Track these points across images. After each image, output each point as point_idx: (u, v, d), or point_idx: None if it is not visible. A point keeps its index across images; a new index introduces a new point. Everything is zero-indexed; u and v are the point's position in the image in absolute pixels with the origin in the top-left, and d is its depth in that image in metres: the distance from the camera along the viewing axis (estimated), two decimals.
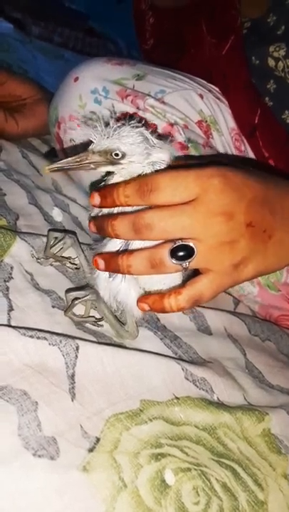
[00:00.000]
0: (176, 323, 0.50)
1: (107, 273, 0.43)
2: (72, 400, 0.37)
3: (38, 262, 0.49)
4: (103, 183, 0.42)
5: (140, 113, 0.57)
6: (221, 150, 0.63)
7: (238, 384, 0.47)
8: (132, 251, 0.39)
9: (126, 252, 0.39)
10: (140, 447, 0.36)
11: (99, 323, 0.46)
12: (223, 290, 0.40)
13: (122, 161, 0.39)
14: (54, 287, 0.47)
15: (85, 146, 0.41)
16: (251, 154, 0.66)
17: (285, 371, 0.53)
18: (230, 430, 0.42)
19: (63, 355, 0.39)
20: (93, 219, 0.41)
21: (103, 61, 0.62)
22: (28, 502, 0.30)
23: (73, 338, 0.40)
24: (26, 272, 0.48)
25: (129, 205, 0.39)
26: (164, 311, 0.40)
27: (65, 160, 0.40)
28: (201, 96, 0.62)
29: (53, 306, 0.46)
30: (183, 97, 0.60)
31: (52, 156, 0.70)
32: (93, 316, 0.46)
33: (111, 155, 0.39)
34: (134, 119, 0.40)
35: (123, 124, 0.39)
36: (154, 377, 0.42)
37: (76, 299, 0.45)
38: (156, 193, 0.37)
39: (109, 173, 0.42)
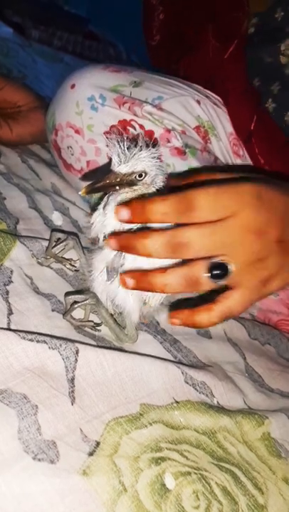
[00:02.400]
0: (175, 327, 0.50)
1: (104, 276, 0.43)
2: (72, 404, 0.37)
3: (39, 263, 0.49)
4: (101, 204, 0.43)
5: (138, 120, 0.58)
6: (219, 155, 0.63)
7: (238, 388, 0.47)
8: (165, 268, 0.38)
9: (159, 269, 0.38)
10: (140, 451, 0.36)
11: (97, 327, 0.46)
12: (251, 305, 0.41)
13: (139, 183, 0.40)
14: (54, 291, 0.47)
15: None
16: (249, 159, 0.66)
17: (285, 375, 0.53)
18: (230, 434, 0.41)
19: (63, 359, 0.39)
20: (114, 235, 0.40)
21: (100, 68, 0.62)
22: (33, 505, 0.30)
23: (73, 341, 0.40)
24: (26, 275, 0.48)
25: (164, 222, 0.38)
26: (195, 326, 0.40)
27: (97, 182, 0.40)
28: (199, 102, 0.62)
29: (53, 310, 0.46)
30: (180, 103, 0.61)
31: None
32: (92, 321, 0.46)
33: (135, 176, 0.40)
34: (146, 142, 0.41)
35: (141, 146, 0.40)
36: (154, 381, 0.42)
37: (75, 302, 0.45)
38: (195, 212, 0.37)
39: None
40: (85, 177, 0.63)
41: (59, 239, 0.51)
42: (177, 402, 0.42)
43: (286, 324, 0.61)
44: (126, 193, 0.41)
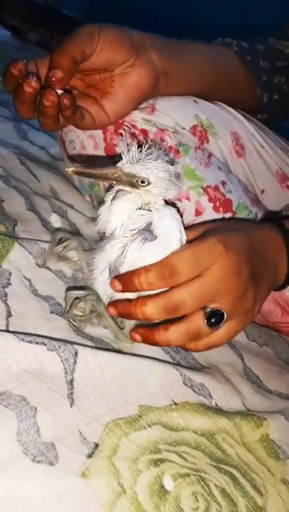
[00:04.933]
0: None
1: (105, 276, 0.43)
2: (71, 406, 0.37)
3: (38, 265, 0.49)
4: (109, 197, 0.43)
5: (130, 121, 0.58)
6: (218, 154, 0.63)
7: (237, 389, 0.47)
8: (167, 327, 0.41)
9: (161, 327, 0.42)
10: (139, 453, 0.36)
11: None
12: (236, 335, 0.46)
13: (141, 188, 0.41)
14: (52, 293, 0.47)
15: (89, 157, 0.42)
16: (250, 158, 0.67)
17: (283, 376, 0.53)
18: (229, 436, 0.42)
19: (62, 361, 0.39)
20: (112, 304, 0.43)
21: None
22: (31, 506, 0.30)
23: (72, 343, 0.40)
24: (25, 277, 0.48)
25: (151, 290, 0.42)
26: (185, 349, 0.44)
27: (91, 167, 0.41)
28: (196, 101, 0.63)
29: (52, 312, 0.46)
30: (176, 102, 0.61)
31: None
32: (94, 311, 0.46)
33: (137, 180, 0.41)
34: (163, 151, 0.42)
35: (153, 154, 0.41)
36: (153, 383, 0.42)
37: (77, 298, 0.45)
38: (177, 276, 0.41)
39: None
40: (73, 159, 0.62)
41: (62, 238, 0.51)
42: (176, 403, 0.42)
43: (285, 326, 0.61)
44: (131, 194, 0.42)
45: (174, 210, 0.44)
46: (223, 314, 0.42)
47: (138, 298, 0.42)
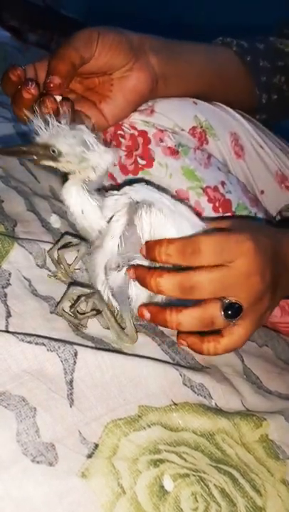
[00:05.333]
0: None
1: (103, 275, 0.43)
2: (71, 406, 0.37)
3: (38, 266, 0.49)
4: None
5: (130, 123, 0.58)
6: (217, 155, 0.63)
7: (236, 390, 0.48)
8: (181, 308, 0.41)
9: (173, 308, 0.41)
10: (139, 453, 0.36)
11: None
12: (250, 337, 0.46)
13: (60, 159, 0.41)
14: (52, 293, 0.47)
15: None
16: (249, 159, 0.67)
17: (283, 377, 0.53)
18: (229, 436, 0.42)
19: (62, 361, 0.39)
20: (134, 267, 0.42)
21: None
22: (31, 507, 0.30)
23: (72, 344, 0.40)
24: (24, 278, 0.48)
25: (168, 264, 0.41)
26: (200, 352, 0.45)
27: (13, 146, 0.42)
28: (195, 102, 0.63)
29: (51, 312, 0.46)
30: (175, 104, 0.61)
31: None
32: (95, 310, 0.46)
33: (53, 151, 0.41)
34: (82, 122, 0.42)
35: (68, 124, 0.41)
36: (152, 383, 0.42)
37: (81, 296, 0.45)
38: (199, 256, 0.40)
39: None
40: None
41: (70, 242, 0.50)
42: (175, 404, 0.42)
43: (284, 326, 0.61)
44: (75, 179, 0.42)
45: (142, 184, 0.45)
46: (240, 308, 0.41)
47: (156, 267, 0.41)
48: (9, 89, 0.49)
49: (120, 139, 0.58)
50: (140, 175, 0.58)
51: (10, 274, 0.47)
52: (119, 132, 0.58)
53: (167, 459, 0.37)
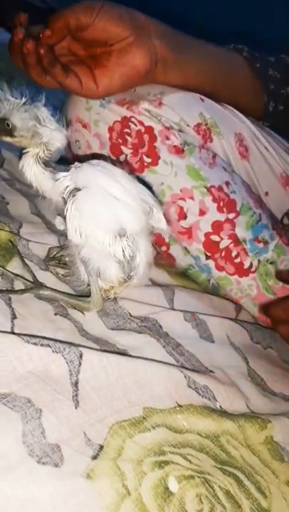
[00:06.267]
0: (178, 330, 0.50)
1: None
2: (76, 408, 0.37)
3: (41, 269, 0.50)
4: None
5: (137, 117, 0.58)
6: (221, 154, 0.63)
7: (241, 392, 0.47)
8: None
9: None
10: (143, 455, 0.36)
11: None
12: None
13: (15, 134, 0.43)
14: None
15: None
16: (254, 160, 0.67)
17: (288, 379, 0.53)
18: (233, 438, 0.42)
19: (67, 363, 0.39)
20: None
21: None
22: (37, 508, 0.30)
23: (77, 345, 0.40)
24: (28, 281, 0.48)
25: None
26: None
27: None
28: (202, 99, 0.63)
29: (56, 314, 0.46)
30: (182, 98, 0.61)
31: None
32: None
33: (8, 124, 0.42)
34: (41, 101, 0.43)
35: (25, 101, 0.42)
36: (157, 385, 0.42)
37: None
38: None
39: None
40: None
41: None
42: (180, 405, 0.42)
43: None
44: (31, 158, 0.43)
45: (90, 162, 0.45)
46: None
47: None
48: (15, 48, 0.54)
49: (126, 136, 0.58)
50: (145, 173, 0.59)
51: (14, 277, 0.47)
52: (125, 130, 0.58)
53: (172, 461, 0.37)
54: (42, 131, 0.42)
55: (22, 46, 0.52)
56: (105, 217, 0.42)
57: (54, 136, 0.43)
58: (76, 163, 0.44)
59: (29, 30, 0.54)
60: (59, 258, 0.52)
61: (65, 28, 0.53)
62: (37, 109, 0.42)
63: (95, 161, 0.45)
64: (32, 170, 0.44)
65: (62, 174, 0.44)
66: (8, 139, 0.43)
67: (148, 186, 0.48)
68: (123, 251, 0.43)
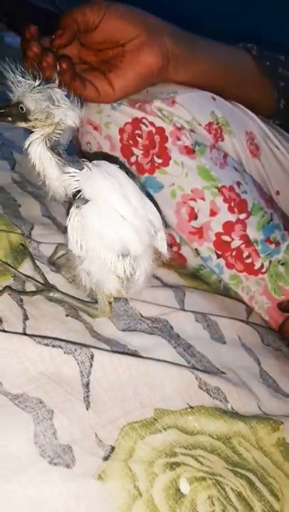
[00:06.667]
0: (189, 331, 0.50)
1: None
2: (87, 409, 0.37)
3: (51, 270, 0.50)
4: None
5: (148, 117, 0.58)
6: (232, 153, 0.63)
7: (252, 393, 0.47)
8: None
9: None
10: (155, 456, 0.36)
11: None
12: None
13: (29, 117, 0.41)
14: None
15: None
16: (265, 159, 0.66)
17: None
18: (245, 439, 0.41)
19: (78, 364, 0.39)
20: None
21: None
22: (48, 509, 0.30)
23: (88, 346, 0.41)
24: (39, 282, 0.48)
25: None
26: None
27: None
28: (214, 98, 0.63)
29: (67, 315, 0.46)
30: (194, 97, 0.61)
31: None
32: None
33: (22, 108, 0.41)
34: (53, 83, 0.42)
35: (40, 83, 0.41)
36: (168, 386, 0.42)
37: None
38: None
39: None
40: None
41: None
42: (191, 407, 0.42)
43: None
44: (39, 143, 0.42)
45: (106, 164, 0.43)
46: None
47: None
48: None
49: (137, 138, 0.59)
50: (156, 174, 0.59)
51: (25, 278, 0.48)
52: (136, 132, 0.59)
53: (183, 462, 0.37)
54: (55, 112, 0.41)
55: (40, 60, 0.51)
56: (109, 236, 0.41)
57: (67, 115, 0.41)
58: (89, 164, 0.43)
59: (41, 41, 0.53)
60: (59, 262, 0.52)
61: (75, 25, 0.53)
62: (51, 89, 0.41)
63: (109, 168, 0.43)
64: (37, 151, 0.42)
65: (71, 170, 0.42)
66: (23, 124, 0.42)
67: (156, 205, 0.46)
68: (124, 270, 0.42)
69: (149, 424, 0.38)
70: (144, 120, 0.58)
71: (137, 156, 0.59)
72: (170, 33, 0.59)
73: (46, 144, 0.42)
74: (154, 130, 0.58)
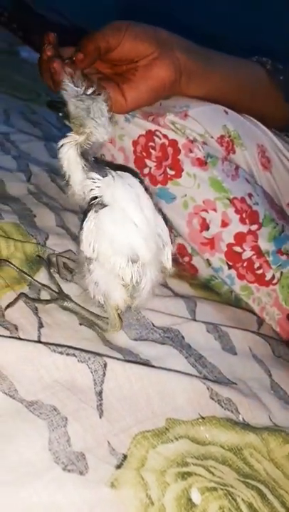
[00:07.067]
0: (201, 342, 0.51)
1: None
2: (100, 417, 0.38)
3: (66, 280, 0.51)
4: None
5: (162, 130, 0.60)
6: (244, 165, 0.64)
7: (264, 405, 0.47)
8: None
9: None
10: (167, 465, 0.37)
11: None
12: None
13: (70, 119, 0.44)
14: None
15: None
16: (276, 172, 0.67)
17: None
18: (256, 451, 0.41)
19: (91, 372, 0.40)
20: None
21: None
22: None
23: (101, 355, 0.41)
24: (54, 291, 0.49)
25: None
26: None
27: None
28: (226, 111, 0.64)
29: (80, 324, 0.47)
30: (207, 111, 0.62)
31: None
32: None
33: (66, 108, 0.44)
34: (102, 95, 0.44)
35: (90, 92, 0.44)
36: (180, 396, 0.42)
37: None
38: None
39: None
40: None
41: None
42: (203, 417, 0.42)
43: None
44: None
45: (128, 176, 0.44)
46: None
47: None
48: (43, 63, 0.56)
49: (151, 150, 0.60)
50: (169, 185, 0.60)
51: (40, 288, 0.49)
52: (150, 144, 0.60)
53: (195, 472, 0.37)
54: (87, 122, 0.43)
55: (50, 64, 0.54)
56: (120, 240, 0.42)
57: (97, 129, 0.43)
58: (113, 172, 0.44)
59: (58, 49, 0.56)
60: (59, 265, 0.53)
61: (96, 51, 0.56)
62: (92, 100, 0.43)
63: (131, 180, 0.44)
64: (68, 154, 0.44)
65: (95, 176, 0.44)
66: (67, 122, 0.44)
67: (166, 221, 0.47)
68: (132, 276, 0.43)
69: (160, 434, 0.39)
70: (157, 133, 0.59)
71: (150, 168, 0.60)
72: (183, 47, 0.60)
73: (78, 149, 0.44)
74: (167, 142, 0.59)
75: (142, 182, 0.45)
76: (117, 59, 0.58)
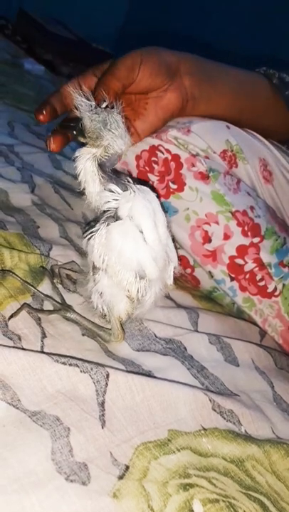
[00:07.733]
0: (203, 353, 0.51)
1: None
2: (103, 427, 0.38)
3: (69, 290, 0.51)
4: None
5: (164, 145, 0.61)
6: (246, 179, 0.65)
7: (266, 417, 0.47)
8: None
9: None
10: (168, 477, 0.37)
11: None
12: None
13: (86, 134, 0.44)
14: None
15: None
16: (278, 185, 0.68)
17: None
18: (259, 463, 0.41)
19: (94, 383, 0.40)
20: None
21: None
22: None
23: (104, 366, 0.42)
24: (57, 302, 0.50)
25: None
26: None
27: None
28: (228, 126, 0.65)
29: (83, 335, 0.47)
30: (209, 126, 0.63)
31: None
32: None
33: (79, 125, 0.44)
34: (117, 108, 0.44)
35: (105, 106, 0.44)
36: (182, 408, 0.42)
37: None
38: None
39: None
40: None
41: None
42: (205, 429, 0.42)
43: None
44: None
45: (148, 191, 0.44)
46: None
47: None
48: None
49: (154, 164, 0.61)
50: (171, 198, 0.60)
51: (44, 298, 0.49)
52: (153, 159, 0.61)
53: (197, 484, 0.37)
54: (104, 134, 0.43)
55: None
56: (130, 256, 0.42)
57: (115, 141, 0.43)
58: (133, 186, 0.44)
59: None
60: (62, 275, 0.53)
61: (115, 97, 0.53)
62: (108, 113, 0.44)
63: (150, 196, 0.44)
64: (84, 165, 0.44)
65: (115, 188, 0.44)
66: (82, 139, 0.45)
67: (174, 241, 0.48)
68: (138, 291, 0.43)
69: (162, 445, 0.39)
70: (160, 147, 0.60)
71: (153, 182, 0.61)
72: (188, 71, 0.61)
73: (95, 161, 0.44)
74: (169, 157, 0.60)
75: (158, 197, 0.45)
76: (128, 92, 0.59)
